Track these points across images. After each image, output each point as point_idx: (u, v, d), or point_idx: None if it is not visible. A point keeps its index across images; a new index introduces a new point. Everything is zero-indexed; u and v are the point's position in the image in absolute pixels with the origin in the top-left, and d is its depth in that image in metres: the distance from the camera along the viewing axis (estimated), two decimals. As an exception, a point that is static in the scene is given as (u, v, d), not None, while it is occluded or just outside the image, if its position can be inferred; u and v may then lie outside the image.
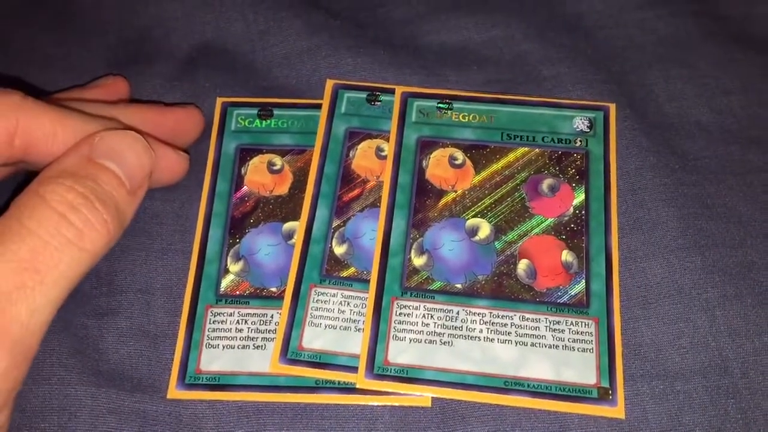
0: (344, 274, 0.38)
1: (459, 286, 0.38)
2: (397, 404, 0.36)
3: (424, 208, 0.40)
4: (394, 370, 0.36)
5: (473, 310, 0.37)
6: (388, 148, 0.41)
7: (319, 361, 0.36)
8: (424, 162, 0.41)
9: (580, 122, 0.42)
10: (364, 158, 0.41)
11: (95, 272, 0.39)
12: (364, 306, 0.37)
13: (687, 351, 0.36)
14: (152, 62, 0.46)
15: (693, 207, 0.39)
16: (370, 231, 0.39)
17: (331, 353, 0.36)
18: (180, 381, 0.36)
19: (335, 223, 0.40)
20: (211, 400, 0.36)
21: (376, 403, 0.36)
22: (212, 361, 0.36)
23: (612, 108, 0.42)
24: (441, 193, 0.40)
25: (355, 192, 0.41)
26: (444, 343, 0.36)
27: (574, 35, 0.46)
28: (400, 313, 0.37)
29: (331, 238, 0.39)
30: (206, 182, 0.41)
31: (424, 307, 0.37)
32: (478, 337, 0.36)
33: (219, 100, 0.44)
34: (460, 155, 0.41)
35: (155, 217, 0.41)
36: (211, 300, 0.38)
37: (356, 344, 0.36)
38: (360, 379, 0.35)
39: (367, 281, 0.38)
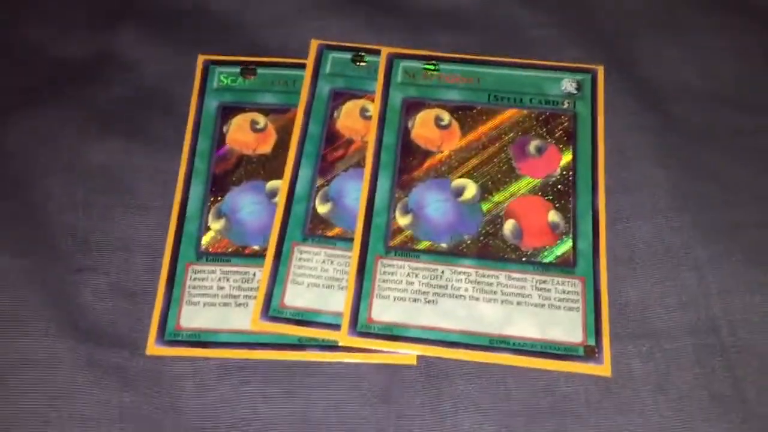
0: (328, 233, 0.38)
1: (444, 245, 0.37)
2: (382, 362, 0.35)
3: (409, 169, 0.39)
4: (378, 327, 0.35)
5: (458, 269, 0.36)
6: (373, 109, 0.41)
7: (302, 319, 0.35)
8: (409, 123, 0.40)
9: (568, 84, 0.41)
10: (349, 118, 0.41)
11: (70, 228, 0.38)
12: (347, 265, 0.37)
13: (674, 310, 0.36)
14: (134, 17, 0.45)
15: (681, 168, 0.39)
16: (354, 191, 0.39)
17: (313, 311, 0.36)
18: (159, 337, 0.35)
19: (319, 183, 0.39)
20: (192, 356, 0.35)
21: (361, 361, 0.35)
22: (193, 318, 0.36)
23: (600, 70, 0.42)
24: (426, 153, 0.40)
25: (340, 152, 0.40)
26: (429, 302, 0.36)
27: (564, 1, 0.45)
28: (384, 272, 0.36)
29: (315, 197, 0.38)
30: (187, 139, 0.40)
31: (408, 266, 0.36)
32: (464, 296, 0.36)
33: (200, 58, 0.43)
34: (446, 116, 0.41)
35: (134, 173, 0.40)
36: (192, 257, 0.37)
37: (339, 302, 0.36)
38: (343, 337, 0.35)
39: (351, 240, 0.37)
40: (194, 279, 0.37)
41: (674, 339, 0.35)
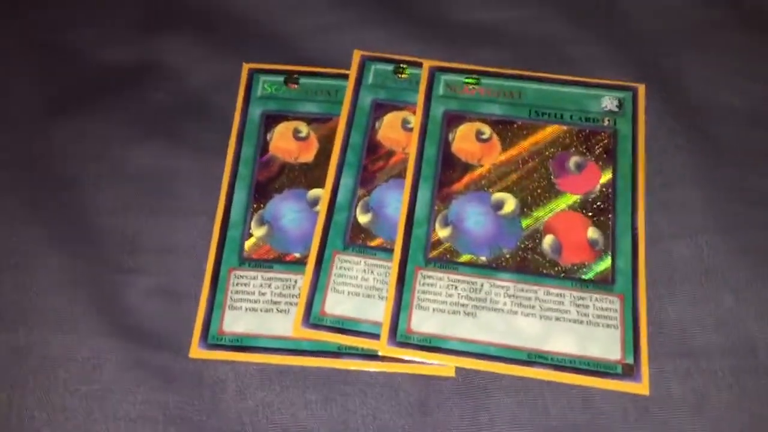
0: (368, 242, 0.38)
1: (483, 258, 0.37)
2: (420, 373, 0.35)
3: (449, 181, 0.40)
4: (417, 338, 0.35)
5: (497, 282, 0.37)
6: (415, 121, 0.41)
7: (341, 327, 0.36)
8: (450, 135, 0.41)
9: (608, 102, 0.41)
10: (391, 130, 0.41)
11: (117, 231, 0.39)
12: (387, 274, 0.37)
13: (713, 330, 0.36)
14: (180, 26, 0.45)
15: (721, 189, 0.39)
16: (395, 201, 0.39)
17: (353, 320, 0.36)
18: (202, 341, 0.36)
19: (360, 192, 0.39)
20: (233, 361, 0.36)
21: (399, 371, 0.35)
22: (235, 322, 0.36)
23: (641, 89, 0.42)
24: (467, 166, 0.40)
25: (381, 163, 0.41)
26: (468, 314, 0.36)
27: (606, 18, 0.45)
28: (423, 283, 0.37)
29: (356, 207, 0.39)
30: (231, 146, 0.41)
31: (448, 278, 0.37)
32: (502, 310, 0.36)
33: (245, 66, 0.43)
34: (486, 130, 0.41)
35: (179, 178, 0.40)
36: (235, 263, 0.38)
37: (379, 312, 0.36)
38: (382, 347, 0.35)
39: (391, 251, 0.38)
40: (237, 284, 0.37)
41: (712, 359, 0.35)
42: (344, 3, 0.45)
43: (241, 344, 0.36)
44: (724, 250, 0.37)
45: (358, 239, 0.38)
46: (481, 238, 0.38)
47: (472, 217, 0.39)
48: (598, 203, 0.39)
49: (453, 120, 0.41)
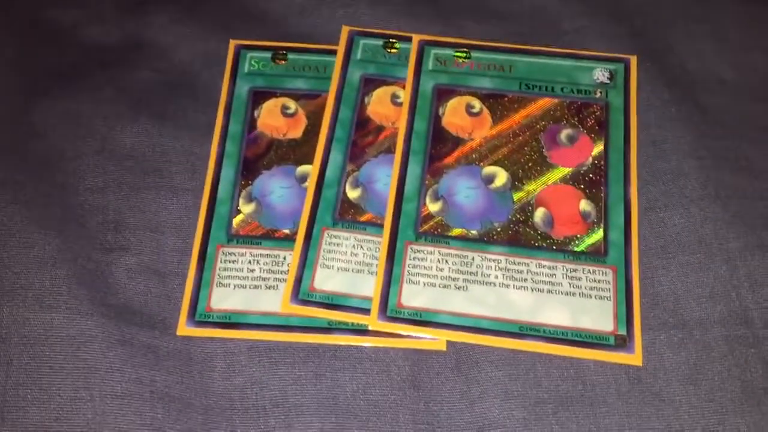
0: (358, 218, 0.38)
1: (474, 232, 0.37)
2: (411, 347, 0.35)
3: (439, 156, 0.39)
4: (408, 312, 0.35)
5: (489, 256, 0.36)
6: (404, 95, 0.41)
7: (331, 303, 0.35)
8: (440, 110, 0.40)
9: (600, 74, 0.41)
10: (380, 104, 0.41)
11: (102, 209, 0.38)
12: (377, 250, 0.37)
13: (706, 301, 0.36)
14: (165, 3, 0.45)
15: (715, 159, 0.39)
16: (384, 176, 0.39)
17: (342, 295, 0.36)
18: (190, 318, 0.35)
19: (349, 168, 0.39)
20: (222, 338, 0.35)
21: (389, 346, 0.35)
22: (223, 299, 0.36)
23: (633, 60, 0.42)
24: (457, 140, 0.40)
25: (370, 138, 0.40)
26: (459, 288, 0.36)
27: None
28: (414, 258, 0.36)
29: (345, 182, 0.38)
30: (218, 123, 0.40)
31: (438, 252, 0.36)
32: (494, 283, 0.36)
33: (232, 42, 0.43)
34: (477, 103, 0.41)
35: (164, 155, 0.40)
36: (223, 240, 0.37)
37: (369, 287, 0.36)
38: (372, 321, 0.35)
39: (381, 226, 0.37)
40: (225, 261, 0.37)
41: (706, 329, 0.35)
42: None
43: (229, 321, 0.35)
44: (718, 220, 0.37)
45: (347, 215, 0.38)
46: (472, 212, 0.38)
47: (463, 191, 0.38)
48: (590, 175, 0.39)
49: (443, 94, 0.41)
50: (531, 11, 0.44)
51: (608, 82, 0.41)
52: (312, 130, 0.40)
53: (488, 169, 0.39)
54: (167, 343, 0.35)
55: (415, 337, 0.35)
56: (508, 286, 0.36)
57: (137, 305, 0.36)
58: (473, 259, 0.36)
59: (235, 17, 0.45)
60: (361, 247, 0.37)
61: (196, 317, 0.35)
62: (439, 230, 0.37)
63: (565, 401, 0.34)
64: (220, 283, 0.36)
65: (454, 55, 0.42)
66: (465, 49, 0.42)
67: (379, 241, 0.37)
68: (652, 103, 0.40)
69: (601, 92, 0.41)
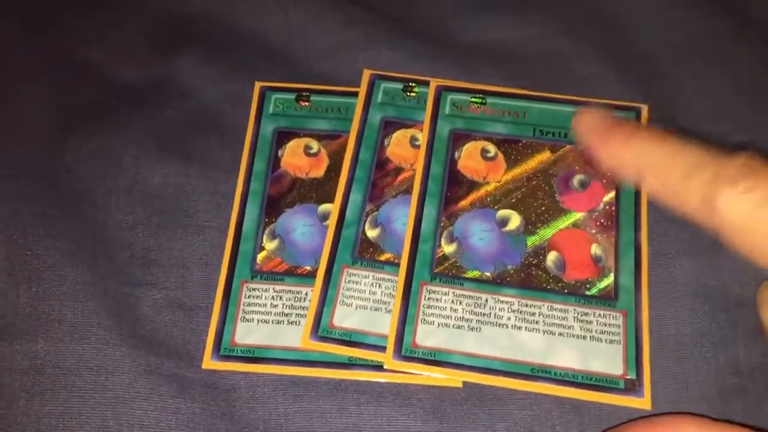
0: (376, 257, 0.39)
1: (488, 274, 0.38)
2: (430, 384, 0.36)
3: (455, 198, 0.41)
4: (422, 352, 0.36)
5: (501, 298, 0.38)
6: (422, 138, 0.42)
7: (350, 340, 0.37)
8: (456, 153, 0.42)
9: None
10: (399, 146, 0.42)
11: (129, 246, 0.40)
12: (395, 288, 0.38)
13: (708, 350, 0.37)
14: (191, 45, 0.46)
15: None
16: (402, 217, 0.40)
17: (361, 332, 0.37)
18: (215, 352, 0.37)
19: (368, 208, 0.40)
20: (246, 371, 0.36)
21: (408, 382, 0.36)
22: (247, 334, 0.37)
23: (645, 109, 0.43)
24: (472, 184, 0.41)
25: (389, 179, 0.42)
26: (472, 329, 0.37)
27: (610, 34, 0.46)
28: (429, 298, 0.37)
29: (364, 222, 0.40)
30: (243, 162, 0.42)
31: (453, 293, 0.38)
32: (506, 325, 0.37)
33: (257, 84, 0.45)
34: (492, 148, 0.42)
35: (191, 194, 0.41)
36: (247, 275, 0.39)
37: (386, 325, 0.37)
38: (388, 360, 0.36)
39: (399, 265, 0.39)
40: (249, 296, 0.38)
41: (702, 380, 0.36)
42: (353, 21, 0.46)
43: (253, 355, 0.37)
44: (725, 270, 0.38)
45: (366, 253, 0.39)
46: (486, 255, 0.39)
47: (477, 233, 0.40)
48: (602, 220, 0.40)
49: (459, 138, 0.42)
50: (546, 56, 0.46)
51: None
52: (333, 170, 0.42)
53: (502, 213, 0.40)
54: (193, 375, 0.36)
55: (430, 375, 0.36)
56: (520, 328, 0.37)
57: (163, 337, 0.37)
58: (486, 300, 0.38)
59: (258, 59, 0.46)
60: (379, 285, 0.38)
61: (221, 351, 0.37)
62: (453, 271, 0.38)
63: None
64: (244, 318, 0.38)
65: (471, 101, 0.43)
66: (481, 95, 0.43)
67: (396, 280, 0.38)
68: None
69: None
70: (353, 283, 0.38)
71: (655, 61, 0.46)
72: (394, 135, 0.43)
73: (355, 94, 0.44)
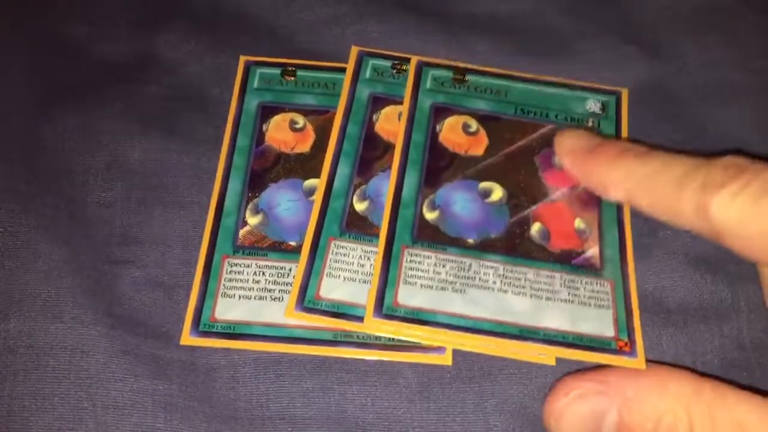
0: (365, 229, 0.37)
1: (471, 240, 0.37)
2: (417, 361, 0.35)
3: (436, 168, 0.39)
4: (404, 311, 0.35)
5: (486, 263, 0.36)
6: (403, 110, 0.41)
7: (337, 311, 0.35)
8: (437, 126, 0.41)
9: (592, 104, 0.42)
10: (388, 122, 0.41)
11: (108, 223, 0.38)
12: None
13: (712, 322, 0.36)
14: (174, 19, 0.45)
15: None
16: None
17: (348, 304, 0.35)
18: (194, 328, 0.35)
19: (357, 181, 0.39)
20: (226, 348, 0.35)
21: (396, 360, 0.35)
22: (228, 310, 0.36)
23: (624, 93, 0.42)
24: (454, 155, 0.40)
25: (378, 153, 0.40)
26: (456, 291, 0.35)
27: (606, 8, 0.45)
28: (410, 261, 0.36)
29: (352, 195, 0.38)
30: (227, 136, 0.40)
31: (435, 257, 0.36)
32: (492, 288, 0.36)
33: (242, 59, 0.43)
34: (473, 123, 0.41)
35: (172, 170, 0.40)
36: (228, 251, 0.37)
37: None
38: (368, 319, 0.34)
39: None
40: (230, 272, 0.37)
41: (699, 324, 0.35)
42: None
43: (233, 332, 0.35)
44: (714, 246, 0.37)
45: (354, 226, 0.38)
46: (469, 223, 0.38)
47: (460, 202, 0.39)
48: (585, 197, 0.39)
49: (440, 112, 0.41)
50: (541, 31, 0.45)
51: (600, 113, 0.42)
52: (320, 145, 0.40)
53: (484, 184, 0.39)
54: (170, 354, 0.35)
55: (421, 352, 0.35)
56: (506, 291, 0.36)
57: (141, 317, 0.36)
58: (470, 265, 0.36)
59: (243, 34, 0.45)
60: (368, 258, 0.37)
61: (200, 327, 0.35)
62: (436, 237, 0.37)
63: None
64: (225, 293, 0.36)
65: (452, 78, 0.42)
66: (461, 73, 0.42)
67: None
68: (656, 128, 0.41)
69: (593, 122, 0.41)
70: (341, 255, 0.37)
71: (654, 35, 0.45)
72: (383, 111, 0.41)
73: (343, 70, 0.43)
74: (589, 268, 0.37)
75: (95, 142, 0.41)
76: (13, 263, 0.36)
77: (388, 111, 0.42)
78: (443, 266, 0.36)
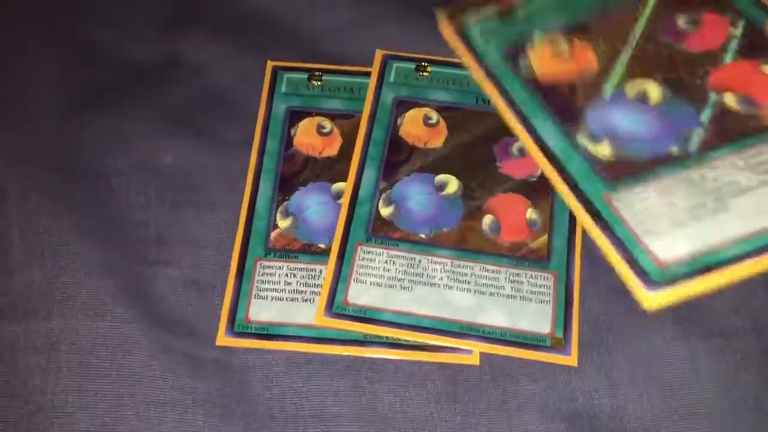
0: (390, 234, 0.39)
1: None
2: (444, 362, 0.36)
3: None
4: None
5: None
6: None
7: (364, 316, 0.37)
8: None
9: None
10: (412, 125, 0.42)
11: (144, 224, 0.40)
12: (410, 266, 0.38)
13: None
14: (202, 23, 0.46)
15: None
16: (416, 195, 0.40)
17: (375, 309, 0.37)
18: (229, 329, 0.37)
19: (382, 186, 0.40)
20: (260, 348, 0.36)
21: (423, 360, 0.36)
22: (261, 311, 0.37)
23: None
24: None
25: (403, 157, 0.41)
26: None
27: None
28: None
29: (378, 200, 0.40)
30: (256, 140, 0.42)
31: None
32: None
33: (269, 63, 0.44)
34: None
35: (202, 172, 0.41)
36: (260, 253, 0.39)
37: (402, 302, 0.37)
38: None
39: (414, 243, 0.39)
40: (263, 274, 0.38)
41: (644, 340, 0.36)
42: (365, 0, 0.46)
43: (267, 332, 0.37)
44: None
45: (380, 231, 0.39)
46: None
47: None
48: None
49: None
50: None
51: None
52: (347, 149, 0.42)
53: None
54: (207, 353, 0.36)
55: (449, 353, 0.36)
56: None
57: (178, 316, 0.37)
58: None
59: (268, 37, 0.46)
60: (394, 262, 0.38)
61: (235, 328, 0.37)
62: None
63: (598, 413, 0.35)
64: (257, 295, 0.38)
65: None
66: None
67: (411, 257, 0.38)
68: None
69: None
70: (367, 260, 0.38)
71: None
72: (407, 114, 0.42)
73: (368, 74, 0.44)
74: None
75: (126, 143, 0.42)
76: (54, 263, 0.38)
77: (412, 114, 0.43)
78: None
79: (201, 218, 0.40)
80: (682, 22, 0.39)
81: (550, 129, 0.37)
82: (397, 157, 0.41)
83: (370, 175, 0.40)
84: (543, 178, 0.39)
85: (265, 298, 0.37)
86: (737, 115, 0.35)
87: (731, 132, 0.34)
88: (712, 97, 0.36)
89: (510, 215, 0.39)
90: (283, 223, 0.39)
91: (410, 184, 0.40)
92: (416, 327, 0.36)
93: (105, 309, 0.36)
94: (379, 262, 0.38)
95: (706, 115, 0.35)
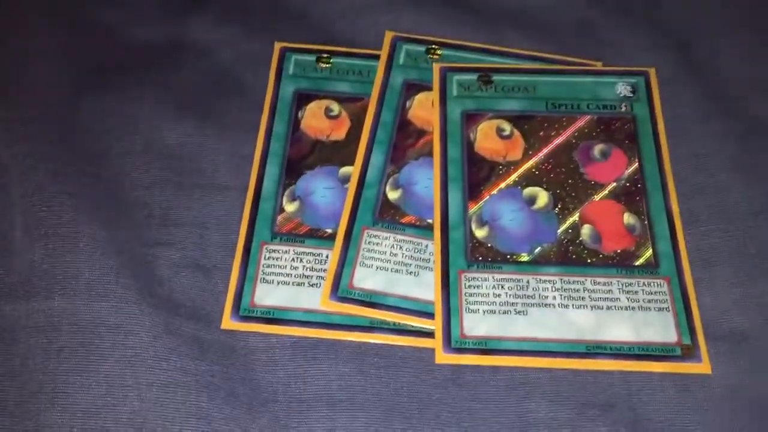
0: (398, 218, 0.38)
1: (525, 255, 0.37)
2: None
3: (478, 182, 0.39)
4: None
5: (543, 278, 0.37)
6: (433, 124, 0.41)
7: (370, 301, 0.36)
8: (471, 135, 0.41)
9: (622, 88, 0.42)
10: (421, 109, 0.42)
11: (147, 205, 0.39)
12: (416, 250, 0.37)
13: (754, 313, 0.36)
14: (209, 4, 0.46)
15: (761, 173, 0.39)
16: (424, 179, 0.39)
17: (381, 293, 0.36)
18: (234, 313, 0.36)
19: (390, 169, 0.40)
20: (265, 333, 0.36)
21: (431, 346, 0.36)
22: (267, 295, 0.37)
23: (652, 72, 0.43)
24: (493, 164, 0.40)
25: (411, 141, 0.41)
26: (519, 313, 0.36)
27: (638, 1, 0.45)
28: (469, 286, 0.36)
29: (386, 184, 0.39)
30: (263, 123, 0.41)
31: (493, 278, 0.37)
32: (552, 305, 0.36)
33: (277, 45, 0.44)
34: (507, 126, 0.41)
35: (208, 154, 0.41)
36: (267, 237, 0.38)
37: (407, 287, 0.36)
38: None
39: (421, 227, 0.38)
40: (268, 258, 0.38)
41: (756, 340, 0.36)
42: None
43: (272, 317, 0.36)
44: (763, 235, 0.37)
45: (387, 215, 0.39)
46: (520, 235, 0.38)
47: (507, 214, 0.39)
48: (629, 188, 0.39)
49: (471, 119, 0.41)
50: (572, 22, 0.45)
51: (631, 95, 0.42)
52: (355, 132, 0.41)
53: (528, 191, 0.39)
54: (211, 335, 0.36)
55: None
56: (567, 306, 0.36)
57: (182, 298, 0.37)
58: (528, 282, 0.37)
59: (278, 19, 0.45)
60: (401, 247, 0.38)
61: (240, 312, 0.36)
62: (490, 256, 0.37)
63: (611, 404, 0.34)
64: (263, 279, 0.37)
65: (478, 80, 0.42)
66: (486, 74, 0.42)
67: (418, 242, 0.38)
68: (696, 116, 0.41)
69: (626, 106, 0.42)
70: (374, 244, 0.38)
71: (687, 26, 0.45)
72: (417, 97, 0.42)
73: (377, 57, 0.43)
74: (644, 267, 0.37)
75: (131, 125, 0.42)
76: (56, 243, 0.37)
77: (422, 97, 0.42)
78: (502, 287, 0.37)
79: (206, 200, 0.39)
80: (596, 150, 0.40)
81: (457, 197, 0.38)
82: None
83: (377, 158, 0.40)
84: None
85: (271, 282, 0.37)
86: (582, 245, 0.37)
87: (569, 256, 0.37)
88: (575, 222, 0.38)
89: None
90: (290, 207, 0.39)
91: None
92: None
93: (107, 289, 0.36)
94: (385, 246, 0.37)
95: (562, 234, 0.38)
